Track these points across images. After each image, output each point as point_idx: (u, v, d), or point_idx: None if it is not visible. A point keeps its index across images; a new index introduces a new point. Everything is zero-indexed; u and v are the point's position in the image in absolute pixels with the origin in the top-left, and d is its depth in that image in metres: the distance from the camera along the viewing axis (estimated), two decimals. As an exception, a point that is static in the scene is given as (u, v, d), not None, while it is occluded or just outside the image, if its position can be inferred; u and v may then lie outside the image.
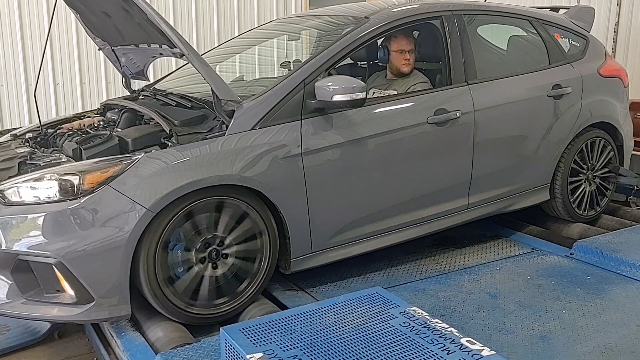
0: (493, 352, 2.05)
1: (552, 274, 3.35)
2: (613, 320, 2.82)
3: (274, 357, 2.02)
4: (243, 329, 2.20)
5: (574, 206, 4.01)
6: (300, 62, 3.23)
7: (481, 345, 2.10)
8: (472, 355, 2.04)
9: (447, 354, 2.05)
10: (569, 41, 4.09)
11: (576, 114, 3.90)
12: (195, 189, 2.64)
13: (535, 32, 3.97)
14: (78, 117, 3.60)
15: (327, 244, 3.10)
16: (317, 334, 2.20)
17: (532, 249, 3.74)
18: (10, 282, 2.61)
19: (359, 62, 4.35)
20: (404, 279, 3.31)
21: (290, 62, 3.90)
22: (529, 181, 3.82)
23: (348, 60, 4.31)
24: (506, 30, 4.14)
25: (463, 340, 2.13)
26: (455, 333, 2.19)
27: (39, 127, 3.36)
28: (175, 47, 2.84)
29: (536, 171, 3.83)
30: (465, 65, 3.51)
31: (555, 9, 4.45)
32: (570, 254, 3.59)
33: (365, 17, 3.34)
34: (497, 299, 3.05)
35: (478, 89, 3.51)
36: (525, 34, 4.05)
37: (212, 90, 2.77)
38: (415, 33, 3.79)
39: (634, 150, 4.56)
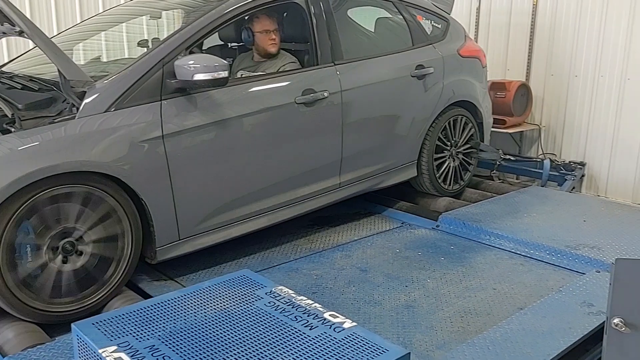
0: (354, 323, 2.08)
1: (419, 246, 3.49)
2: (472, 285, 2.99)
3: (129, 348, 1.92)
4: (96, 322, 2.06)
5: (439, 181, 4.21)
6: (159, 40, 3.08)
7: (344, 318, 2.12)
8: (334, 329, 2.05)
9: (310, 329, 2.06)
10: (431, 23, 4.25)
11: (439, 93, 4.07)
12: (43, 177, 2.44)
13: (399, 13, 4.08)
14: None
15: (196, 230, 3.00)
16: (178, 322, 2.12)
17: (402, 223, 3.88)
18: None
19: (229, 44, 4.25)
20: (278, 261, 3.29)
21: (148, 40, 3.72)
22: (398, 159, 3.95)
23: (218, 42, 4.23)
24: (375, 12, 4.23)
25: (326, 315, 2.14)
26: (319, 308, 2.19)
27: None
28: (16, 25, 2.60)
29: (404, 149, 3.96)
30: (332, 46, 3.53)
31: (418, -8, 4.59)
32: (437, 226, 3.76)
33: (227, -5, 3.24)
34: (367, 273, 3.13)
35: (345, 69, 3.55)
36: (391, 15, 4.15)
37: (58, 70, 2.56)
38: (282, 13, 3.75)
39: (493, 127, 4.87)
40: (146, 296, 2.84)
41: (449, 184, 4.28)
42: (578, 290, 2.76)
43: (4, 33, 3.04)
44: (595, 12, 5.15)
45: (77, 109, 2.62)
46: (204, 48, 4.08)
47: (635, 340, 1.86)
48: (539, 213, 3.86)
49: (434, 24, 4.30)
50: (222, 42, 4.22)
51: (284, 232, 3.62)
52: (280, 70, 3.49)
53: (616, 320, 1.86)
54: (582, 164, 5.27)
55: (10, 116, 2.57)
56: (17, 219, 2.41)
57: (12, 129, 2.52)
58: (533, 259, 3.29)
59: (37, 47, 3.54)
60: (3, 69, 3.43)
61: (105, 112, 2.66)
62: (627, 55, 4.99)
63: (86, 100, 2.63)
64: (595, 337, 2.41)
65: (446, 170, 4.24)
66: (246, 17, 3.46)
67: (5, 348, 2.37)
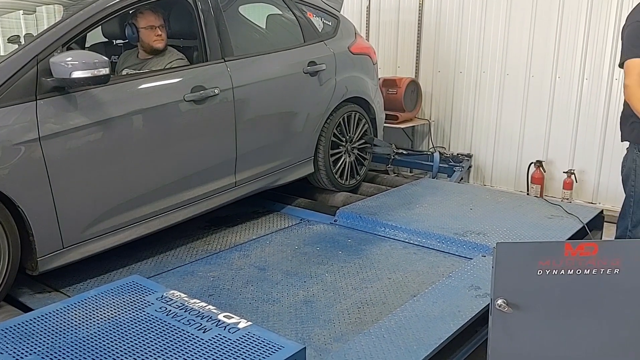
0: (249, 323, 2.05)
1: (318, 241, 3.51)
2: (368, 276, 3.05)
3: (3, 369, 1.77)
4: (-36, 343, 1.89)
5: (336, 176, 4.26)
6: (33, 36, 2.87)
7: (238, 318, 2.08)
8: (229, 330, 2.01)
9: (204, 332, 2.00)
10: (322, 20, 4.29)
11: (332, 90, 4.12)
12: None
13: (290, 10, 4.08)
14: None
15: (82, 236, 2.83)
16: (61, 336, 1.98)
17: (301, 220, 3.89)
18: None
19: (114, 41, 4.06)
20: (172, 265, 3.18)
21: (19, 36, 3.47)
22: (294, 156, 3.95)
23: (102, 39, 4.02)
24: (266, 9, 4.21)
25: (220, 317, 2.09)
26: (213, 310, 2.14)
27: None
28: None
29: (299, 145, 3.97)
30: (221, 42, 3.46)
31: (306, -11, 4.63)
32: (334, 220, 3.81)
33: (108, -12, 3.08)
34: (265, 271, 3.10)
35: (236, 66, 3.49)
36: (282, 12, 4.15)
37: None
38: (168, 9, 3.62)
39: (386, 122, 5.01)
40: (28, 310, 2.63)
41: (346, 179, 4.35)
42: (466, 275, 2.89)
43: None
44: (475, 12, 5.44)
45: (-62, 110, 2.38)
46: (87, 46, 3.88)
47: (518, 319, 1.98)
48: (430, 203, 4.01)
49: (325, 22, 4.34)
50: (107, 39, 4.02)
51: (178, 235, 3.51)
52: (167, 67, 3.37)
53: (499, 302, 1.96)
54: (469, 156, 5.56)
55: None
56: None
57: None
58: (425, 247, 3.41)
59: None
60: None
61: (-30, 113, 2.44)
62: (505, 52, 5.32)
63: (-53, 101, 2.40)
64: (483, 319, 2.53)
65: (342, 165, 4.31)
66: (130, 12, 3.30)
67: None
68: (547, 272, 1.94)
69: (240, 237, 3.59)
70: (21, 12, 3.67)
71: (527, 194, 5.19)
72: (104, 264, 3.09)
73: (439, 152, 5.43)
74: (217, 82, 3.35)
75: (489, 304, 2.05)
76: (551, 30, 5.03)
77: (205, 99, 3.27)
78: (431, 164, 5.30)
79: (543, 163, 5.18)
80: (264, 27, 4.19)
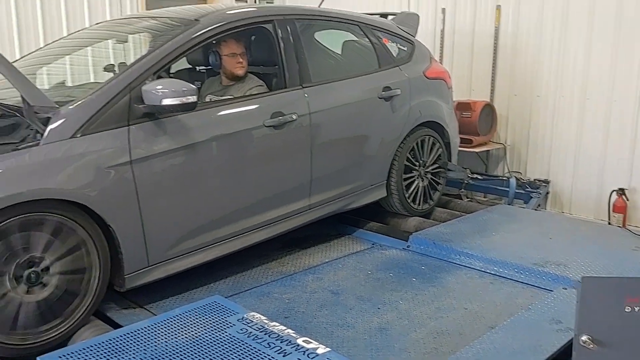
0: (328, 349, 2.07)
1: (391, 266, 3.50)
2: (444, 305, 3.01)
3: (98, 382, 1.87)
4: (63, 355, 2.01)
5: (409, 201, 4.24)
6: (126, 65, 3.06)
7: (317, 343, 2.11)
8: (308, 355, 2.04)
9: (284, 356, 2.04)
10: (397, 45, 4.32)
11: (406, 114, 4.13)
12: (6, 206, 2.37)
13: (366, 37, 4.14)
14: None
15: (166, 255, 2.96)
16: (149, 352, 2.08)
17: (373, 244, 3.89)
18: None
19: (197, 68, 4.24)
20: (249, 285, 3.26)
21: (115, 65, 3.69)
22: (367, 179, 3.97)
23: (186, 66, 4.21)
24: (341, 35, 4.29)
25: (299, 341, 2.13)
26: (292, 334, 2.18)
27: None
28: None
29: (373, 170, 3.99)
30: (300, 69, 3.55)
31: (384, 15, 4.69)
32: (407, 246, 3.79)
33: (195, 19, 3.25)
34: (339, 295, 3.12)
35: (313, 92, 3.57)
36: (357, 38, 4.21)
37: (21, 96, 2.51)
38: (249, 37, 3.76)
39: (460, 146, 4.95)
40: (115, 325, 2.77)
41: (419, 204, 4.32)
42: (546, 308, 2.80)
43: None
44: (554, 35, 5.31)
45: (42, 135, 2.56)
46: (172, 72, 4.07)
47: (603, 357, 1.90)
48: (507, 231, 3.92)
49: (400, 47, 4.37)
50: (190, 66, 4.21)
51: (254, 256, 3.59)
52: (247, 93, 3.50)
53: (584, 338, 1.90)
54: (547, 182, 5.39)
55: (-30, 144, 2.50)
56: (-21, 250, 2.34)
57: (-26, 157, 2.45)
58: (502, 277, 3.33)
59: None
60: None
61: (70, 138, 2.62)
62: (586, 76, 5.15)
63: (51, 126, 2.58)
64: (564, 354, 2.44)
65: (415, 190, 4.29)
66: (214, 42, 3.46)
67: (-34, 384, 2.28)
68: (636, 309, 1.86)
69: (313, 259, 3.63)
70: (114, 40, 3.90)
71: (609, 224, 4.96)
72: (184, 282, 3.21)
73: (515, 177, 5.29)
74: (295, 108, 3.43)
75: (571, 339, 1.99)
76: (635, 54, 4.83)
77: (283, 125, 3.36)
78: (507, 189, 5.18)
79: (626, 191, 4.95)
80: (340, 53, 4.27)
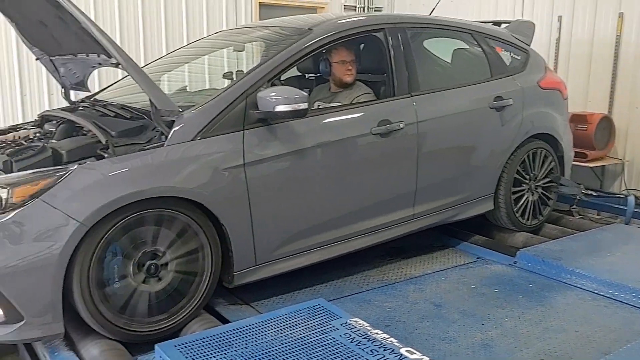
0: (431, 361, 2.05)
1: (496, 282, 3.39)
2: (553, 326, 2.87)
3: (209, 373, 1.97)
4: (178, 345, 2.13)
5: (517, 215, 4.09)
6: (243, 72, 3.20)
7: (420, 354, 2.09)
8: (411, 365, 2.02)
9: (386, 364, 2.04)
10: (510, 54, 4.19)
11: (518, 125, 3.99)
12: (131, 202, 2.56)
13: (478, 45, 4.05)
14: (13, 128, 3.47)
15: (272, 256, 3.06)
16: (256, 349, 2.16)
17: (477, 258, 3.79)
18: None
19: (306, 75, 4.35)
20: (350, 291, 3.29)
21: (232, 72, 3.87)
22: (474, 191, 3.88)
23: (296, 73, 4.34)
24: (452, 43, 4.22)
25: (402, 351, 2.12)
26: (395, 343, 2.17)
27: (-30, 140, 3.21)
28: (112, 57, 2.77)
29: (480, 181, 3.89)
30: (409, 77, 3.54)
31: (497, 23, 4.56)
32: (514, 262, 3.65)
33: (308, 28, 3.34)
34: (441, 308, 3.06)
35: (421, 100, 3.55)
36: (469, 47, 4.13)
37: (150, 100, 2.70)
38: (359, 45, 3.81)
39: (574, 160, 4.70)
40: (222, 319, 2.90)
41: (527, 219, 4.15)
42: (670, 338, 2.60)
43: (99, 64, 3.26)
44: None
45: (166, 137, 2.74)
46: (281, 79, 4.21)
47: None
48: (624, 252, 3.67)
49: (514, 56, 4.24)
50: (300, 73, 4.32)
51: (355, 262, 3.62)
52: (355, 100, 3.54)
53: None
54: (670, 202, 4.98)
55: (104, 142, 2.73)
56: (107, 240, 2.54)
57: (106, 155, 2.67)
58: (618, 301, 3.12)
59: (128, 77, 3.78)
60: (96, 97, 3.66)
61: (191, 140, 2.78)
62: None
63: (174, 129, 2.75)
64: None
65: (524, 204, 4.12)
66: (325, 50, 3.53)
67: (91, 364, 2.48)
68: None
69: (415, 270, 3.60)
70: (231, 49, 4.10)
71: None
72: (288, 283, 3.29)
73: (634, 195, 4.94)
74: (402, 116, 3.43)
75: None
76: None
77: (390, 132, 3.37)
78: (624, 207, 4.84)
79: None
80: (450, 62, 4.20)
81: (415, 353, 2.10)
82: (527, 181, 4.12)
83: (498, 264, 3.68)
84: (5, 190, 2.43)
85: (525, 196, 4.13)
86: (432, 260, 3.75)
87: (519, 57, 4.24)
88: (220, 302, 3.08)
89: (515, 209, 4.07)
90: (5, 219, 2.40)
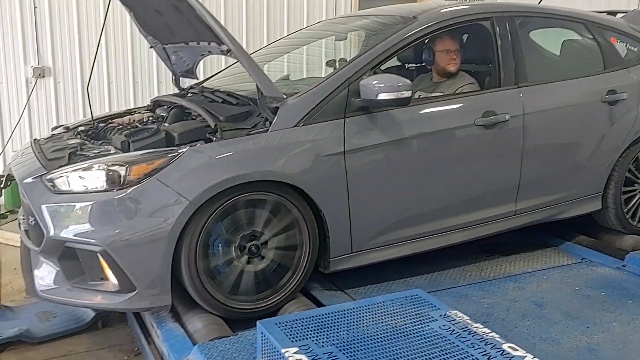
0: (537, 359, 1.97)
1: (602, 285, 3.21)
2: (667, 335, 2.68)
3: (309, 352, 2.00)
4: (279, 323, 2.19)
5: (627, 217, 3.84)
6: (346, 60, 3.22)
7: (524, 352, 2.02)
8: (514, 362, 1.96)
9: (488, 359, 1.99)
10: (626, 46, 3.93)
11: (632, 121, 3.74)
12: (237, 184, 2.66)
13: (591, 36, 3.83)
14: (129, 112, 3.69)
15: (368, 244, 3.06)
16: (354, 333, 2.17)
17: (582, 259, 3.60)
18: (57, 269, 2.69)
19: (406, 64, 4.30)
20: (446, 284, 3.24)
21: (335, 60, 3.90)
22: (580, 189, 3.68)
23: (395, 62, 4.30)
24: (559, 34, 4.02)
25: (505, 346, 2.05)
26: (497, 339, 2.11)
27: (91, 121, 3.46)
28: (223, 44, 2.88)
29: (588, 179, 3.69)
30: (516, 67, 3.42)
31: (612, 13, 4.30)
32: (623, 265, 3.44)
33: (413, 17, 3.30)
34: (543, 308, 2.95)
35: (529, 92, 3.41)
36: (580, 37, 3.91)
37: (257, 86, 2.78)
38: (463, 34, 3.71)
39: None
40: (317, 303, 2.95)
41: (639, 221, 3.89)
42: None
43: (209, 52, 3.40)
44: None
45: (270, 123, 2.82)
46: (382, 69, 4.18)
47: None
48: None
49: (630, 47, 3.97)
50: (400, 63, 4.28)
51: (451, 256, 3.55)
52: (458, 91, 3.46)
53: None
54: None
55: (212, 127, 2.84)
56: (213, 219, 2.65)
57: (214, 139, 2.78)
58: None
59: (233, 67, 3.93)
60: (203, 84, 3.82)
61: (294, 127, 2.84)
62: None
63: (278, 115, 2.82)
64: None
65: (636, 205, 3.86)
66: (429, 38, 3.47)
67: (195, 336, 2.60)
68: None
69: (515, 267, 3.48)
70: (334, 38, 4.13)
71: None
72: (382, 273, 3.29)
73: None
74: (508, 108, 3.31)
75: None
76: None
77: (494, 124, 3.26)
78: None
79: None
80: (558, 53, 4.00)
81: (518, 350, 2.03)
82: (639, 181, 3.86)
83: (605, 266, 3.48)
84: (124, 167, 2.60)
85: (637, 197, 3.87)
86: (532, 259, 3.61)
87: (635, 49, 3.97)
88: (315, 286, 3.14)
89: (625, 210, 3.83)
90: (122, 194, 2.57)
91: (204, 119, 2.94)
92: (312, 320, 2.25)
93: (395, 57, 4.15)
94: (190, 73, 3.83)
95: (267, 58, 4.16)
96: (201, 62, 3.90)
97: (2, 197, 3.94)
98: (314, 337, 2.12)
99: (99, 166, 2.64)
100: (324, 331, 2.18)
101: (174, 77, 3.87)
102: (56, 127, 3.71)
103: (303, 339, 2.09)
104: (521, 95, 3.37)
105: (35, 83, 5.47)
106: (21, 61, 5.43)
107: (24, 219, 2.93)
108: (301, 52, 4.38)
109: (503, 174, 3.38)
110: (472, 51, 3.66)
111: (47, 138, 3.35)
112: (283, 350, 2.01)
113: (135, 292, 2.58)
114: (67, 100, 5.64)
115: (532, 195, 3.50)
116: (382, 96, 2.85)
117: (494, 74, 3.41)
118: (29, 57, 5.45)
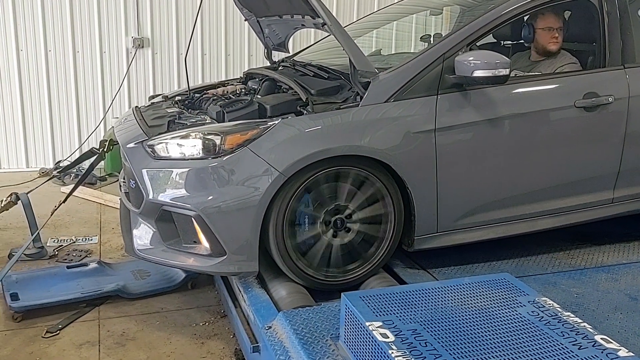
0: (631, 353, 1.89)
1: None
2: None
3: (393, 327, 2.02)
4: (364, 297, 2.21)
5: None
6: (441, 36, 3.14)
7: (618, 345, 1.94)
8: (607, 354, 1.89)
9: (579, 349, 1.92)
10: None
11: None
12: (325, 157, 2.68)
13: None
14: (222, 84, 3.80)
15: (454, 225, 3.02)
16: (437, 312, 2.16)
17: (684, 253, 3.38)
18: (154, 230, 2.84)
19: (502, 42, 4.14)
20: (533, 271, 3.14)
21: (430, 35, 3.82)
22: (686, 179, 3.43)
23: (490, 39, 4.15)
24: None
25: (597, 337, 1.98)
26: (589, 329, 2.04)
27: (187, 91, 3.59)
28: (318, 17, 2.89)
29: (696, 169, 3.43)
30: (622, 47, 3.21)
31: None
32: None
33: (514, -9, 3.16)
34: (638, 302, 2.80)
35: (636, 73, 3.20)
36: None
37: (349, 60, 2.78)
38: (566, 10, 3.52)
39: None
40: (400, 281, 2.95)
41: None
42: None
43: (302, 25, 3.42)
44: None
45: (361, 97, 2.81)
46: (477, 45, 4.05)
47: None
48: None
49: None
50: (495, 40, 4.13)
51: (539, 242, 3.43)
52: (558, 70, 3.30)
53: None
54: None
55: (304, 100, 2.87)
56: (300, 192, 2.70)
57: (305, 112, 2.81)
58: None
59: (324, 41, 3.93)
60: (294, 58, 3.85)
61: (385, 102, 2.82)
62: None
63: (370, 90, 2.81)
64: None
65: None
66: (530, 14, 3.32)
67: (279, 304, 2.69)
68: None
69: (608, 258, 3.32)
70: (428, 12, 4.04)
71: None
72: (466, 254, 3.24)
73: None
74: (612, 90, 3.13)
75: None
76: None
77: (596, 107, 3.10)
78: None
79: None
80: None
81: (611, 342, 1.95)
82: None
83: None
84: (219, 137, 2.69)
85: None
86: (628, 250, 3.42)
87: None
88: (397, 264, 3.13)
89: None
90: (216, 163, 2.66)
91: (296, 92, 2.97)
92: (397, 296, 2.25)
93: (491, 35, 4.04)
94: (282, 46, 3.88)
95: (357, 33, 4.12)
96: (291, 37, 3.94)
97: (104, 160, 4.18)
98: (397, 313, 2.13)
99: (195, 135, 2.74)
100: (408, 308, 2.18)
101: (265, 50, 3.93)
102: (153, 96, 3.89)
103: (387, 314, 2.11)
104: (627, 76, 3.17)
105: (135, 53, 5.75)
106: (122, 32, 5.71)
107: (124, 182, 3.11)
108: (391, 28, 4.32)
109: (602, 159, 3.22)
110: (575, 28, 3.48)
111: (147, 106, 3.51)
112: (367, 324, 2.03)
113: (225, 256, 2.69)
114: (163, 70, 5.90)
115: (632, 183, 3.31)
116: (478, 73, 2.77)
117: (599, 53, 3.22)
118: (130, 28, 5.72)
